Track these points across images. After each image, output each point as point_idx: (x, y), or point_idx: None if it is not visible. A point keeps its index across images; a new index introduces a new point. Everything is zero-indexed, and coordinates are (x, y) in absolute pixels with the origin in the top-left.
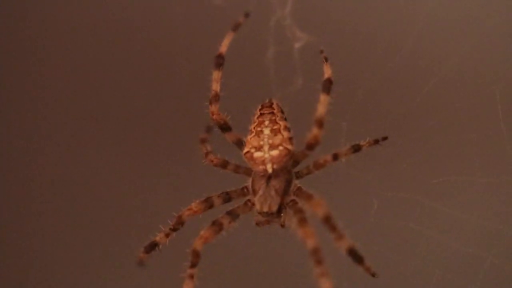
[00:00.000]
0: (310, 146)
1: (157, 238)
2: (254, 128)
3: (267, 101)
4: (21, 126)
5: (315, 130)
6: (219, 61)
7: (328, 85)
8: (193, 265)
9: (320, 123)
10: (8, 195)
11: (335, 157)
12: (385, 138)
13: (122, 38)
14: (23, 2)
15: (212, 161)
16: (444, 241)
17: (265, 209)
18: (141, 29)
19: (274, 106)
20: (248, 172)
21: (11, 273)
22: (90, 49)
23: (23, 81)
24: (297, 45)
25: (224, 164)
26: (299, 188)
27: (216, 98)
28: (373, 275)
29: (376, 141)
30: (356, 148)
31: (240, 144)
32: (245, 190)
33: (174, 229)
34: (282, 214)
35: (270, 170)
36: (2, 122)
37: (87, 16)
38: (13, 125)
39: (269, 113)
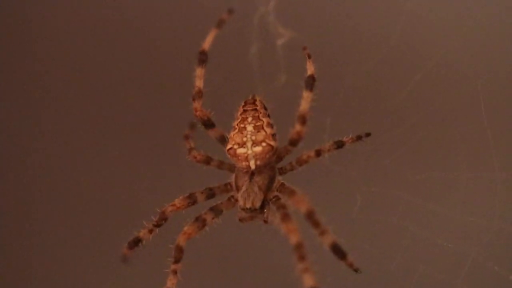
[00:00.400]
0: (293, 142)
1: (141, 234)
2: (237, 124)
3: (250, 97)
4: (14, 124)
5: (298, 126)
6: (203, 58)
7: (311, 82)
8: (176, 261)
9: (303, 119)
10: None
11: (318, 153)
12: (368, 134)
13: (104, 36)
14: (23, 2)
15: (195, 157)
16: (427, 237)
17: (248, 205)
18: (123, 26)
19: (257, 102)
20: (232, 168)
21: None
22: (72, 45)
23: (22, 80)
24: (280, 41)
25: (207, 160)
26: (282, 184)
27: (200, 94)
28: (356, 270)
29: (359, 137)
30: (339, 144)
31: (223, 140)
32: (229, 186)
33: (157, 225)
34: (265, 210)
35: (253, 166)
36: (2, 122)
37: (75, 13)
38: (10, 124)
39: (252, 110)
